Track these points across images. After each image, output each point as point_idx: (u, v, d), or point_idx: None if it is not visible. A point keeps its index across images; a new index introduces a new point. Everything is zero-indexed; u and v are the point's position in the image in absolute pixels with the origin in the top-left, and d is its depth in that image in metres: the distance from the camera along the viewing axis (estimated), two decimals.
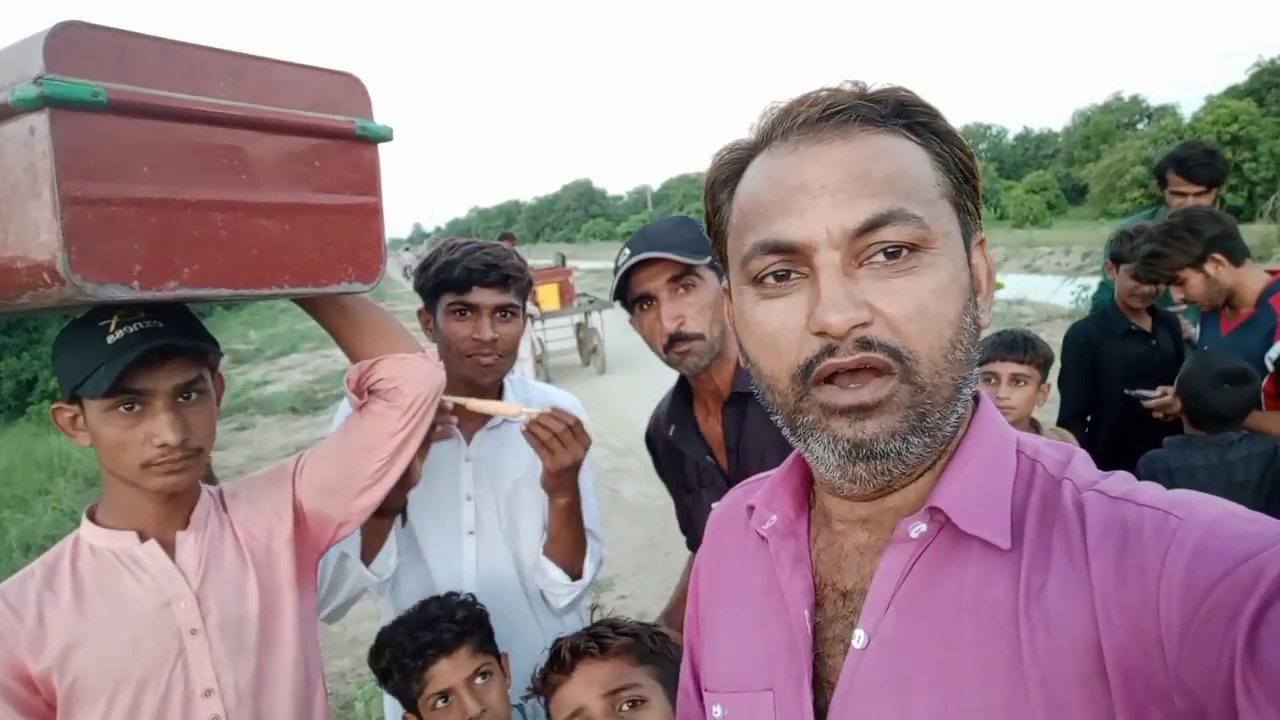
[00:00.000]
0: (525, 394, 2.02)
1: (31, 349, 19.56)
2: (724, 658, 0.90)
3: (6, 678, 1.27)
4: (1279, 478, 2.33)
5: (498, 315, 1.85)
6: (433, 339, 1.92)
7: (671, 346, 1.68)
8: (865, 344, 0.68)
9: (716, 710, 0.88)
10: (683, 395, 1.88)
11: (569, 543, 1.85)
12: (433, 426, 1.58)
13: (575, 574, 1.87)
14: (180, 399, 1.33)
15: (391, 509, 1.64)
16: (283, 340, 19.43)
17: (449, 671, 1.58)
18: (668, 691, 1.34)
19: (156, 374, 1.29)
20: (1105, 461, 0.76)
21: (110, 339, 1.25)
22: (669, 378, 1.89)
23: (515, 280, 1.86)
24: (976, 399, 0.80)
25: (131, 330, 1.26)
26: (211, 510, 1.46)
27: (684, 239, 1.67)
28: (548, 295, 12.68)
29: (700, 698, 0.97)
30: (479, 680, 1.59)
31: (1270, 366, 2.51)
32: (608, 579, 4.93)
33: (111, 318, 1.26)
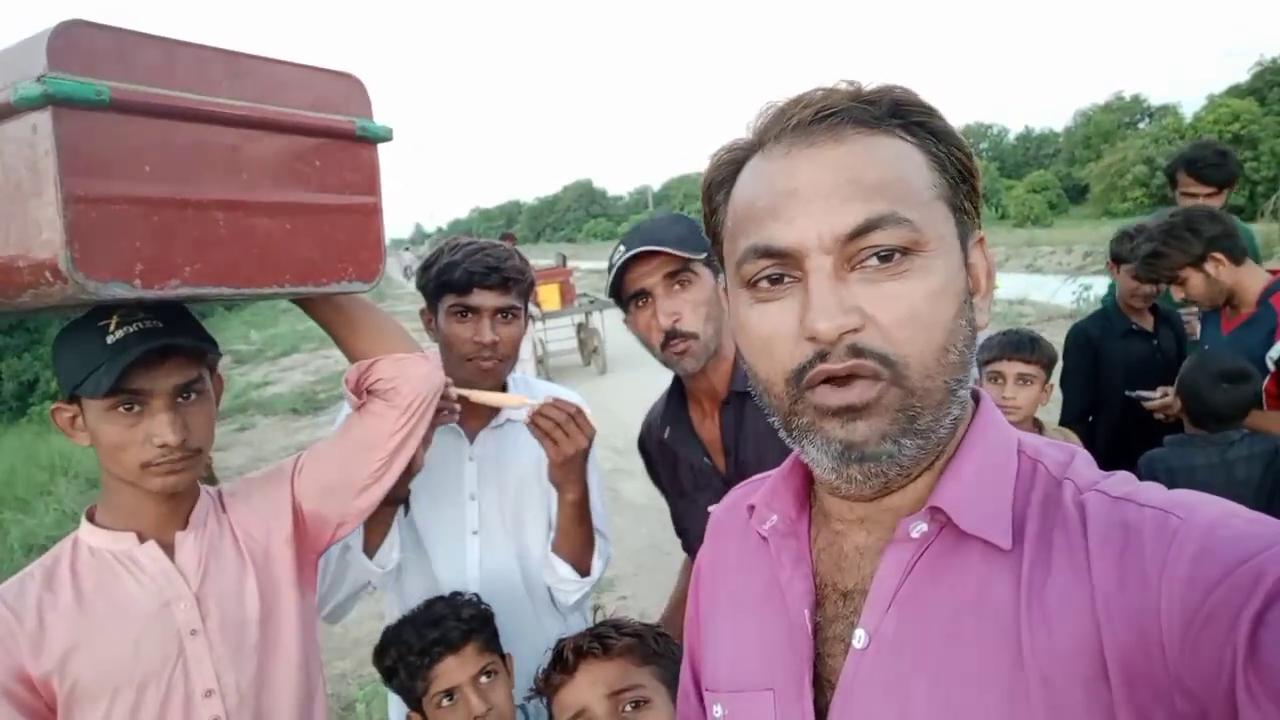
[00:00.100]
0: (529, 391, 2.02)
1: (33, 350, 19.56)
2: (724, 658, 0.90)
3: (8, 681, 1.26)
4: None
5: (499, 317, 1.85)
6: (434, 338, 1.93)
7: (668, 345, 1.66)
8: (856, 350, 0.68)
9: (717, 710, 0.88)
10: (677, 396, 1.85)
11: (578, 539, 1.84)
12: (438, 410, 1.59)
13: (584, 571, 1.87)
14: (179, 399, 1.32)
15: (394, 499, 1.64)
16: (284, 341, 19.44)
17: (455, 670, 1.58)
18: (671, 692, 1.34)
19: (156, 374, 1.29)
20: (1106, 462, 0.76)
21: (110, 339, 1.25)
22: (670, 378, 1.87)
23: (516, 282, 1.86)
24: (977, 399, 0.80)
25: (131, 330, 1.26)
26: (210, 511, 1.46)
27: (680, 234, 1.65)
28: (549, 295, 12.68)
29: (700, 698, 0.97)
30: (484, 679, 1.60)
31: (1271, 366, 2.50)
32: (609, 580, 4.93)
33: (111, 318, 1.26)
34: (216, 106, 1.22)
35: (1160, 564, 0.62)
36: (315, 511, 1.51)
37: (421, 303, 1.95)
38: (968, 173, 0.74)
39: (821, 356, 0.69)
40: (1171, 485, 0.70)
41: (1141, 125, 55.63)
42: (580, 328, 13.15)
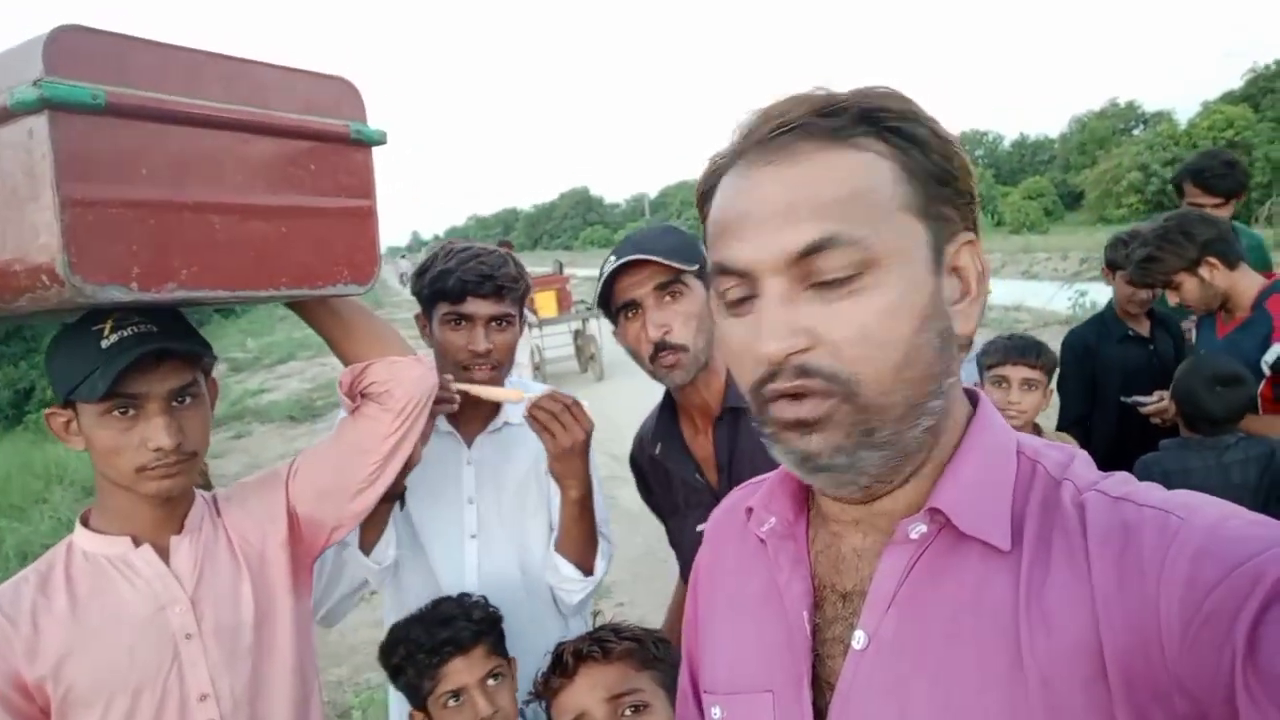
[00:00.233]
0: (525, 391, 2.03)
1: (29, 358, 19.53)
2: (723, 659, 0.90)
3: (3, 686, 1.26)
4: (1276, 480, 2.34)
5: (493, 325, 1.84)
6: (430, 344, 1.93)
7: (657, 357, 1.63)
8: (803, 370, 0.69)
9: (715, 712, 0.88)
10: (668, 411, 1.82)
11: (581, 537, 1.83)
12: (437, 401, 1.59)
13: (587, 570, 1.86)
14: (174, 403, 1.32)
15: (390, 494, 1.63)
16: (280, 348, 19.42)
17: (463, 670, 1.58)
18: (670, 697, 1.34)
19: (151, 378, 1.28)
20: (1103, 467, 0.75)
21: (104, 343, 1.25)
22: (663, 389, 1.85)
23: (510, 290, 1.85)
24: (975, 400, 0.80)
25: (126, 334, 1.26)
26: (205, 515, 1.46)
27: (671, 245, 1.62)
28: (546, 302, 12.69)
29: (698, 700, 0.97)
30: (491, 681, 1.60)
31: (1266, 370, 2.51)
32: (606, 587, 4.92)
33: (105, 322, 1.26)
34: (211, 110, 1.22)
35: (1159, 564, 0.62)
36: (310, 515, 1.51)
37: (418, 308, 1.95)
38: (948, 176, 0.72)
39: (773, 375, 0.70)
40: (1168, 489, 0.70)
41: (1136, 132, 55.82)
42: (577, 335, 13.17)
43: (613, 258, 1.65)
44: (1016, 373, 2.51)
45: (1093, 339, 3.33)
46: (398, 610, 1.83)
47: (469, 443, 1.95)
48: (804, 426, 0.71)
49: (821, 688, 0.78)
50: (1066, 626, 0.65)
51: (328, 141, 1.38)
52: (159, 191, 1.17)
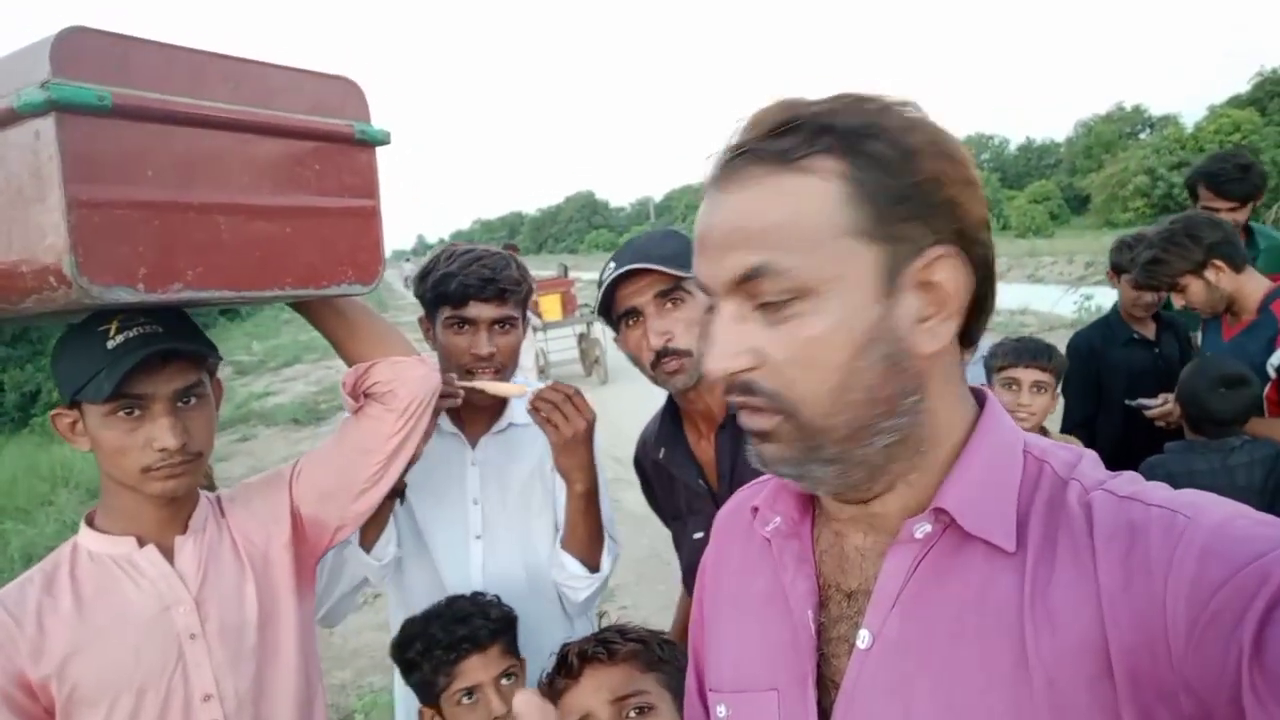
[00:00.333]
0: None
1: (35, 361, 19.59)
2: (728, 658, 0.90)
3: (8, 685, 1.26)
4: None
5: (496, 328, 1.84)
6: (434, 347, 1.93)
7: (659, 363, 1.62)
8: (746, 388, 0.72)
9: (721, 710, 0.88)
10: (671, 415, 1.82)
11: (586, 533, 1.83)
12: (441, 396, 1.59)
13: (593, 567, 1.86)
14: (180, 403, 1.33)
15: (391, 490, 1.64)
16: (286, 351, 19.46)
17: (479, 668, 1.58)
18: (675, 699, 1.34)
19: (157, 378, 1.29)
20: (1108, 468, 0.75)
21: (110, 344, 1.25)
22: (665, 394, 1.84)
23: (513, 292, 1.84)
24: (982, 400, 0.80)
25: (132, 335, 1.26)
26: (210, 515, 1.46)
27: (672, 251, 1.61)
28: (550, 306, 12.71)
29: (704, 698, 0.98)
30: (505, 681, 1.60)
31: (1272, 373, 2.50)
32: (610, 589, 4.92)
33: (111, 323, 1.27)
34: (217, 111, 1.23)
35: (1166, 563, 0.62)
36: (314, 516, 1.51)
37: (422, 311, 1.96)
38: (908, 193, 0.69)
39: (728, 389, 0.74)
40: None
41: (1142, 135, 55.78)
42: (582, 338, 13.19)
43: (613, 265, 1.65)
44: (1027, 375, 2.50)
45: (1098, 342, 3.33)
46: (403, 612, 1.83)
47: (473, 444, 1.96)
48: (758, 436, 0.75)
49: (826, 687, 0.78)
50: (1072, 625, 0.65)
51: (332, 142, 1.39)
52: (165, 192, 1.18)
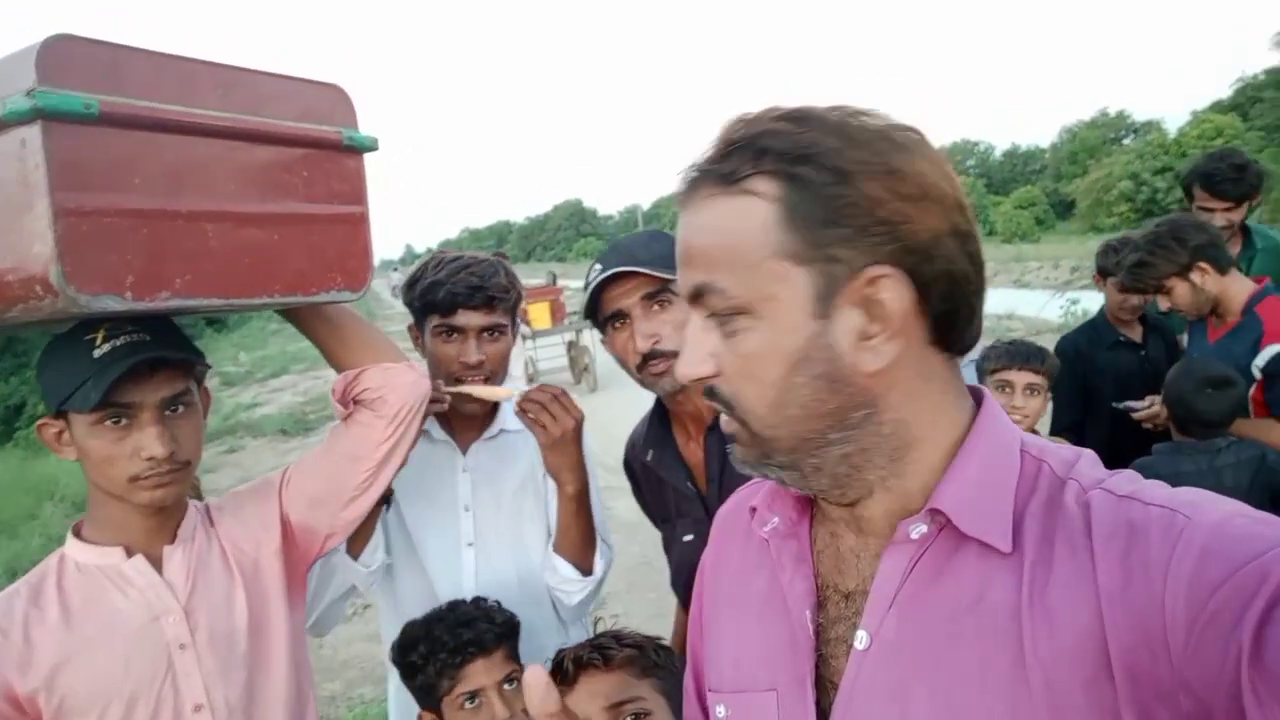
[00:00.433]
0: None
1: (20, 373, 19.45)
2: (727, 658, 0.90)
3: None
4: (1268, 482, 2.34)
5: (484, 336, 1.83)
6: (424, 355, 1.92)
7: (645, 365, 1.61)
8: (710, 392, 0.77)
9: (720, 710, 0.88)
10: (660, 418, 1.80)
11: (578, 536, 1.82)
12: (432, 400, 1.59)
13: (586, 570, 1.85)
14: (168, 412, 1.32)
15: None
16: (273, 362, 19.38)
17: (482, 673, 1.58)
18: (671, 705, 1.33)
19: (144, 387, 1.28)
20: None
21: (97, 353, 1.25)
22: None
23: (501, 300, 1.84)
24: (980, 400, 0.79)
25: (119, 343, 1.26)
26: (198, 524, 1.45)
27: (658, 253, 1.59)
28: (539, 314, 12.71)
29: (702, 700, 0.98)
30: (508, 686, 1.60)
31: (1257, 374, 2.52)
32: (601, 597, 4.89)
33: (97, 331, 1.26)
34: (204, 119, 1.23)
35: (1165, 563, 0.62)
36: (303, 523, 1.51)
37: (410, 320, 1.95)
38: (838, 216, 0.69)
39: (703, 392, 0.78)
40: None
41: (1126, 141, 56.17)
42: (571, 346, 13.18)
43: (598, 267, 1.63)
44: (1021, 377, 2.51)
45: (1085, 345, 3.34)
46: (395, 621, 1.82)
47: (464, 450, 1.95)
48: (730, 437, 0.79)
49: (825, 687, 0.78)
50: (1070, 626, 0.65)
51: (320, 148, 1.39)
52: (153, 200, 1.18)
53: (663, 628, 2.09)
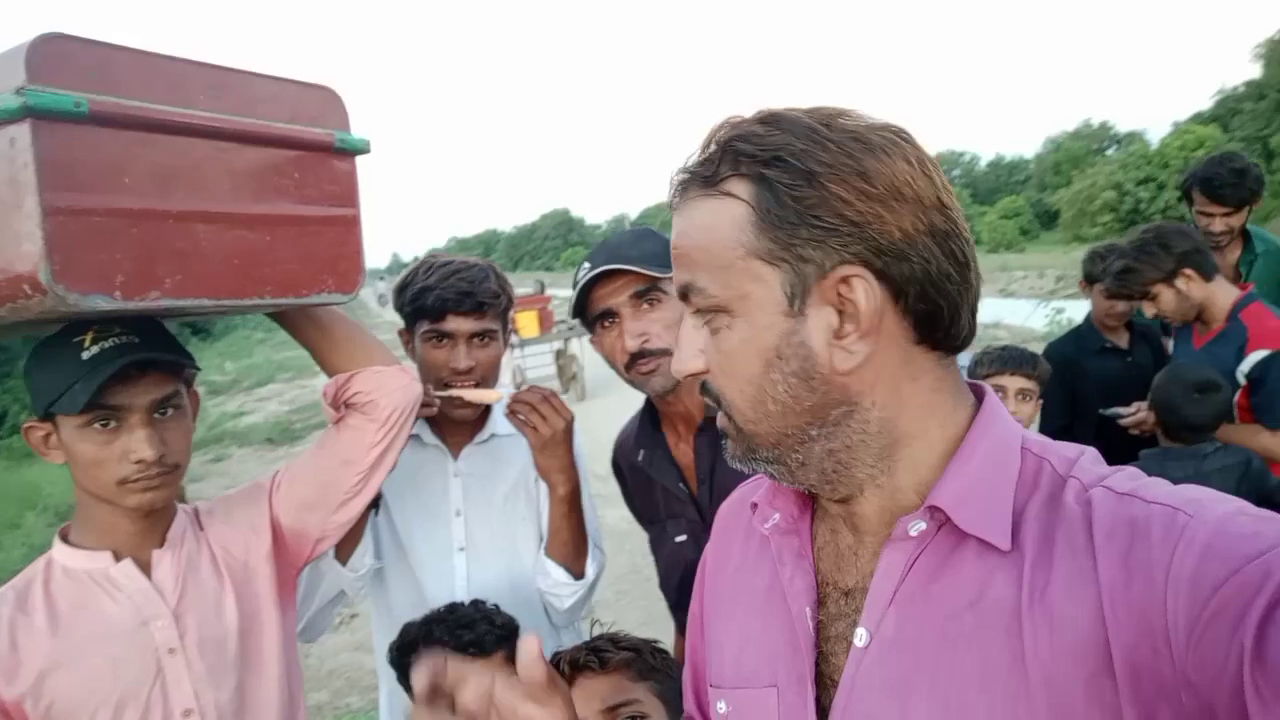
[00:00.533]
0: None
1: (3, 382, 19.27)
2: (729, 654, 0.90)
3: None
4: (1254, 488, 2.36)
5: (474, 341, 1.82)
6: (414, 360, 1.91)
7: (634, 365, 1.60)
8: (704, 388, 0.80)
9: (721, 706, 0.88)
10: (651, 418, 1.79)
11: (570, 538, 1.82)
12: (422, 405, 1.59)
13: (578, 573, 1.84)
14: (157, 414, 1.31)
15: None
16: (259, 371, 19.29)
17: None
18: (668, 708, 1.33)
19: (133, 389, 1.27)
20: None
21: (85, 354, 1.24)
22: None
23: (491, 305, 1.82)
24: (981, 396, 0.79)
25: (107, 345, 1.25)
26: (187, 528, 1.44)
27: (648, 251, 1.59)
28: (527, 322, 12.70)
29: (699, 697, 0.98)
30: None
31: (1242, 380, 2.54)
32: (590, 605, 4.89)
33: (86, 334, 1.25)
34: (195, 119, 1.22)
35: (1167, 560, 0.62)
36: (294, 527, 1.49)
37: (399, 325, 1.94)
38: (806, 217, 0.70)
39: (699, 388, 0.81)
40: None
41: (1110, 152, 56.71)
42: (559, 354, 13.17)
43: (587, 265, 1.62)
44: (1013, 383, 2.53)
45: (1072, 351, 3.36)
46: (386, 626, 1.81)
47: (455, 455, 1.94)
48: (723, 431, 0.81)
49: (825, 684, 0.78)
50: (1071, 624, 0.64)
51: (312, 150, 1.38)
52: (143, 200, 1.17)
53: (652, 635, 2.09)
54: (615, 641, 1.43)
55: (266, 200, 1.32)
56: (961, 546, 0.72)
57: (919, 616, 0.72)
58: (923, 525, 0.73)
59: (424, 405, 1.67)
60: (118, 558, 1.35)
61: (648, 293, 1.59)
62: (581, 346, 12.60)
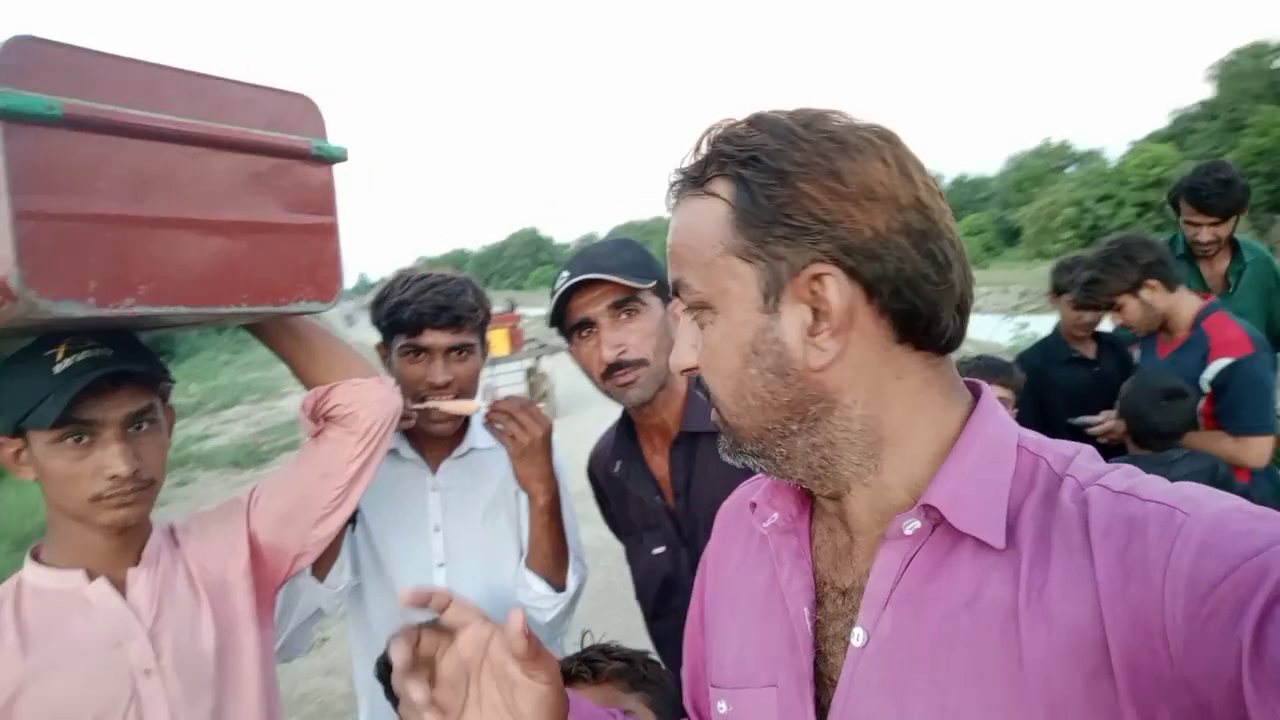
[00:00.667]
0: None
1: None
2: (729, 654, 0.89)
3: None
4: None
5: (452, 355, 1.80)
6: (392, 374, 1.89)
7: (610, 375, 1.59)
8: (698, 382, 0.83)
9: (722, 706, 0.87)
10: (627, 429, 1.78)
11: (550, 549, 1.80)
12: (405, 417, 1.58)
13: (559, 585, 1.82)
14: (131, 429, 1.28)
15: None
16: (225, 393, 19.02)
17: None
18: (660, 719, 1.32)
19: (107, 403, 1.24)
20: None
21: (58, 368, 1.21)
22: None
23: (468, 319, 1.81)
24: (978, 394, 0.80)
25: (80, 358, 1.22)
26: (163, 546, 1.41)
27: (627, 261, 1.58)
28: (498, 341, 12.64)
29: (696, 700, 0.98)
30: None
31: (1206, 388, 2.60)
32: (570, 619, 4.84)
33: (58, 347, 1.22)
34: (171, 124, 1.20)
35: (1164, 559, 0.62)
36: (272, 543, 1.46)
37: (368, 344, 1.92)
38: (779, 215, 0.71)
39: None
40: None
41: (1069, 170, 57.82)
42: (530, 373, 13.12)
43: (566, 274, 1.61)
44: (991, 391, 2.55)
45: (1040, 361, 3.40)
46: (365, 643, 1.77)
47: (434, 469, 1.92)
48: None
49: (824, 684, 0.78)
50: (1068, 623, 0.64)
51: (289, 157, 1.36)
52: (117, 205, 1.14)
53: (634, 646, 2.07)
54: (607, 652, 1.42)
55: (243, 207, 1.30)
56: (958, 546, 0.72)
57: (915, 617, 0.72)
58: (917, 523, 0.73)
59: (401, 419, 1.65)
60: (91, 576, 1.31)
61: (626, 303, 1.58)
62: (552, 365, 12.58)
